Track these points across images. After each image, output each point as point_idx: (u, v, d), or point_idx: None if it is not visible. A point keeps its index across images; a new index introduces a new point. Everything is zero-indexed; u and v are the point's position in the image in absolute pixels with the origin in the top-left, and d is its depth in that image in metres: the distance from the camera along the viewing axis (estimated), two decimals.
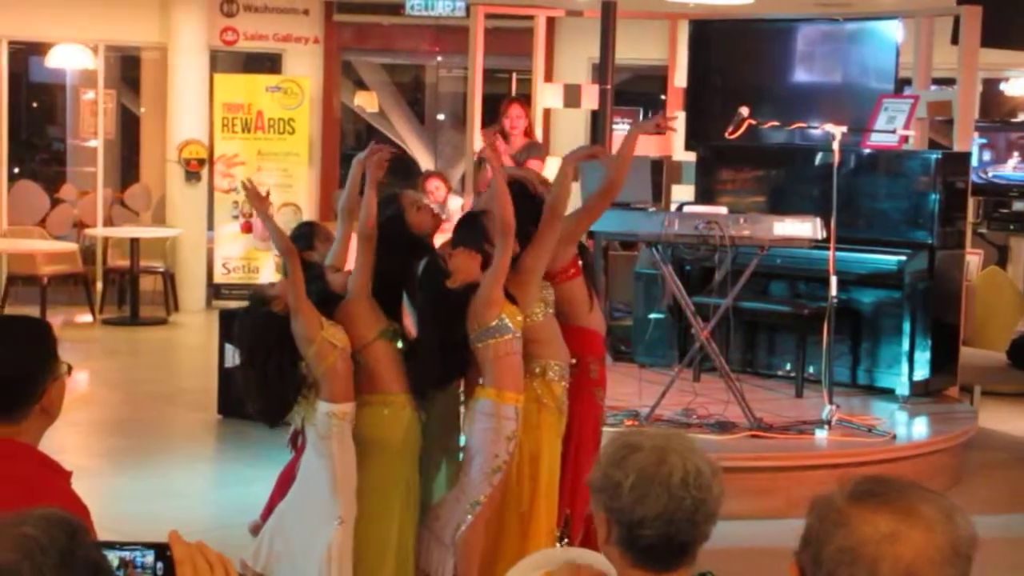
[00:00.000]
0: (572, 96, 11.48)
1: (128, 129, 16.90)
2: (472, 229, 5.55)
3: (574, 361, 5.68)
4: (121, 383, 10.81)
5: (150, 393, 10.49)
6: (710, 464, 2.63)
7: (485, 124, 11.00)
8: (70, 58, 15.00)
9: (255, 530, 5.96)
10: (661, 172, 11.25)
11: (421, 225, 5.66)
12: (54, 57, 15.05)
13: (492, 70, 13.58)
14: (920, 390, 9.12)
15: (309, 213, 14.16)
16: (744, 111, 8.29)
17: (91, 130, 15.92)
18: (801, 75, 10.84)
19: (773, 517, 7.24)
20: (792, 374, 9.30)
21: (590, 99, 11.11)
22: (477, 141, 10.80)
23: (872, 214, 9.30)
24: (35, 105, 18.68)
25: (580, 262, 5.90)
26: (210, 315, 12.90)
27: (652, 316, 9.55)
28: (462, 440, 5.60)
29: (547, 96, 11.45)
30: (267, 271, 13.84)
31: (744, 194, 10.07)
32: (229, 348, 9.24)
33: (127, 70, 16.76)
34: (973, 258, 10.92)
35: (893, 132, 9.15)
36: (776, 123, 8.90)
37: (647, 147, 11.31)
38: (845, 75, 10.51)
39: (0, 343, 3.01)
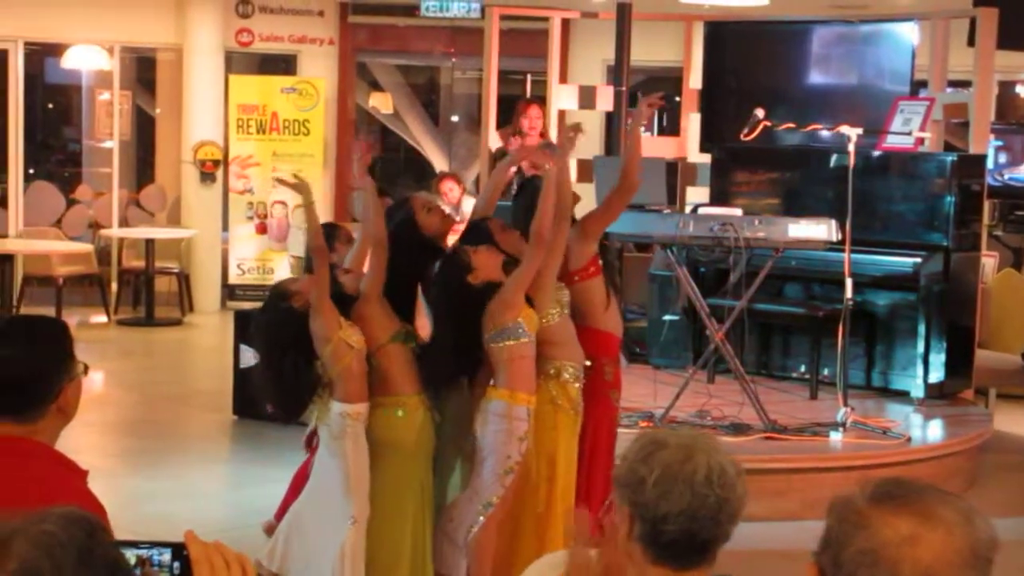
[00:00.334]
0: (587, 97, 11.48)
1: (143, 130, 16.94)
2: (477, 237, 5.57)
3: (588, 363, 5.68)
4: (136, 384, 10.83)
5: (165, 394, 10.51)
6: (734, 464, 2.64)
7: (500, 125, 11.01)
8: (86, 59, 15.04)
9: (269, 530, 5.97)
10: (676, 174, 11.24)
11: (432, 227, 5.67)
12: (70, 58, 15.08)
13: (507, 72, 13.58)
14: (935, 392, 9.10)
15: (324, 214, 14.12)
16: (759, 113, 8.28)
17: (107, 131, 15.96)
18: (816, 77, 10.82)
19: (787, 519, 7.24)
20: (807, 376, 9.28)
21: (605, 101, 11.11)
22: (492, 142, 10.81)
23: (887, 216, 9.28)
24: (51, 106, 18.72)
25: (600, 261, 5.90)
26: (225, 316, 12.92)
27: (667, 318, 9.54)
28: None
29: (562, 97, 11.45)
30: (282, 272, 13.85)
31: (759, 196, 10.06)
32: (244, 349, 9.26)
33: (143, 71, 16.80)
34: (989, 260, 10.88)
35: (909, 134, 9.13)
36: (791, 125, 8.88)
37: (662, 149, 11.31)
38: (861, 77, 10.49)
39: (16, 343, 3.02)
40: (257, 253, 14.39)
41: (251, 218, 14.37)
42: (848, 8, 11.91)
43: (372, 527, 5.32)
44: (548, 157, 5.62)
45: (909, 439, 8.15)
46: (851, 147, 7.99)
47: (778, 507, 7.34)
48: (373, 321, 5.35)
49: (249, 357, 9.14)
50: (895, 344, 9.21)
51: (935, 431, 8.69)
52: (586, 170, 10.41)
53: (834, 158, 9.35)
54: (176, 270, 14.22)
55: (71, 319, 13.09)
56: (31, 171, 15.46)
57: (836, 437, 7.96)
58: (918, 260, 9.01)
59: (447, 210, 6.60)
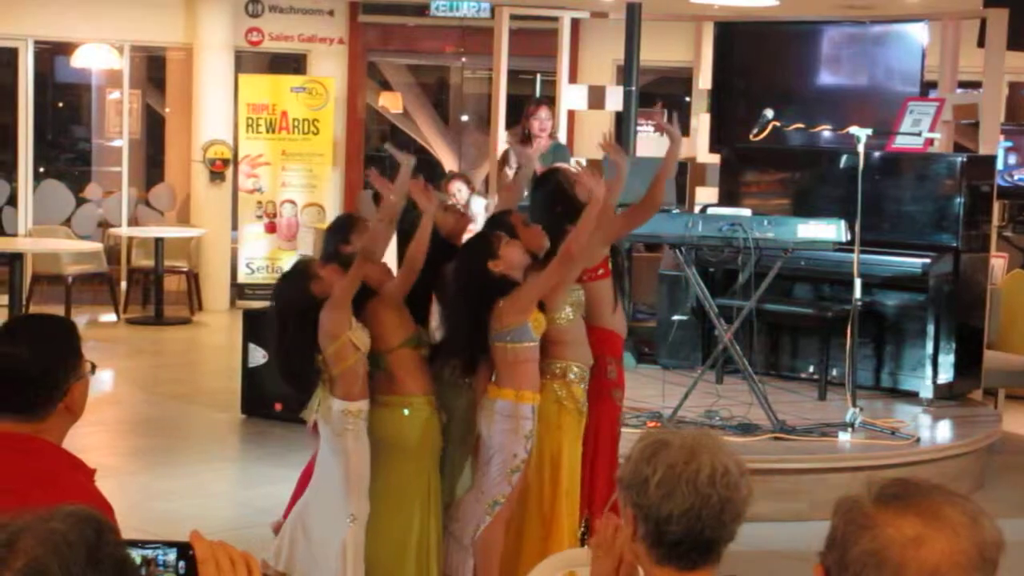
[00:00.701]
0: (596, 97, 11.47)
1: (153, 129, 16.95)
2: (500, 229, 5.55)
3: (592, 362, 5.68)
4: (145, 383, 10.83)
5: (174, 393, 10.51)
6: (739, 464, 2.63)
7: (509, 125, 11.01)
8: (96, 58, 15.05)
9: (277, 529, 5.96)
10: (685, 174, 11.23)
11: (447, 226, 5.67)
12: (80, 57, 15.10)
13: (516, 71, 13.58)
14: (944, 393, 9.09)
15: (333, 214, 14.15)
16: (769, 113, 8.28)
17: (116, 130, 15.96)
18: (826, 77, 10.81)
19: (796, 519, 7.23)
20: (815, 376, 9.28)
21: (614, 101, 11.10)
22: (501, 142, 10.81)
23: (897, 217, 9.27)
24: (61, 105, 18.73)
25: (611, 263, 5.90)
26: (234, 315, 12.92)
27: (675, 318, 9.54)
28: None
29: (571, 97, 11.44)
30: None
31: (768, 196, 10.05)
32: (253, 348, 9.27)
33: (152, 70, 16.81)
34: (998, 261, 10.87)
35: (918, 135, 9.11)
36: (801, 125, 8.87)
37: None
38: (870, 77, 10.48)
39: (25, 341, 3.02)
40: (266, 252, 14.39)
41: (260, 217, 14.38)
42: (858, 8, 11.90)
43: (377, 526, 5.31)
44: (599, 182, 5.46)
45: (918, 440, 8.14)
46: (860, 148, 7.98)
47: (787, 508, 7.33)
48: (387, 324, 5.34)
49: (258, 356, 9.17)
50: (904, 345, 9.20)
51: (944, 432, 8.68)
52: (596, 170, 10.38)
53: (843, 159, 9.34)
54: (185, 269, 14.23)
55: (80, 318, 13.12)
56: (41, 170, 15.47)
57: (845, 438, 7.95)
58: (927, 261, 9.00)
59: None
